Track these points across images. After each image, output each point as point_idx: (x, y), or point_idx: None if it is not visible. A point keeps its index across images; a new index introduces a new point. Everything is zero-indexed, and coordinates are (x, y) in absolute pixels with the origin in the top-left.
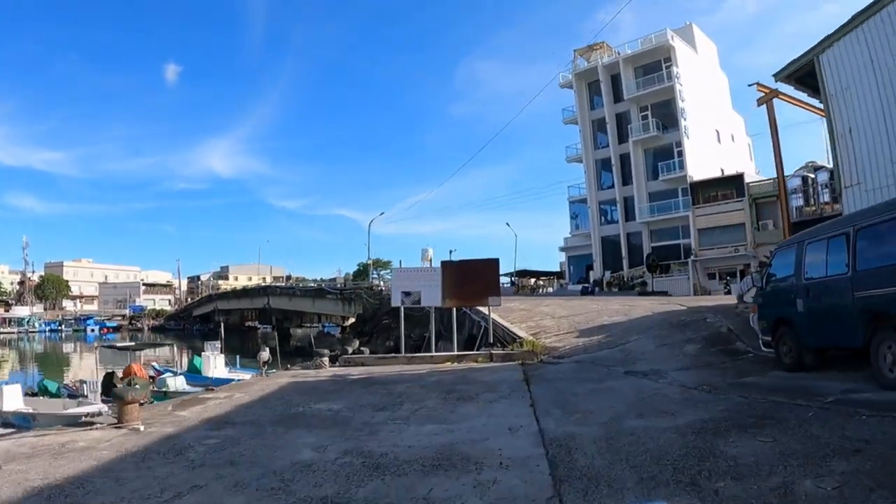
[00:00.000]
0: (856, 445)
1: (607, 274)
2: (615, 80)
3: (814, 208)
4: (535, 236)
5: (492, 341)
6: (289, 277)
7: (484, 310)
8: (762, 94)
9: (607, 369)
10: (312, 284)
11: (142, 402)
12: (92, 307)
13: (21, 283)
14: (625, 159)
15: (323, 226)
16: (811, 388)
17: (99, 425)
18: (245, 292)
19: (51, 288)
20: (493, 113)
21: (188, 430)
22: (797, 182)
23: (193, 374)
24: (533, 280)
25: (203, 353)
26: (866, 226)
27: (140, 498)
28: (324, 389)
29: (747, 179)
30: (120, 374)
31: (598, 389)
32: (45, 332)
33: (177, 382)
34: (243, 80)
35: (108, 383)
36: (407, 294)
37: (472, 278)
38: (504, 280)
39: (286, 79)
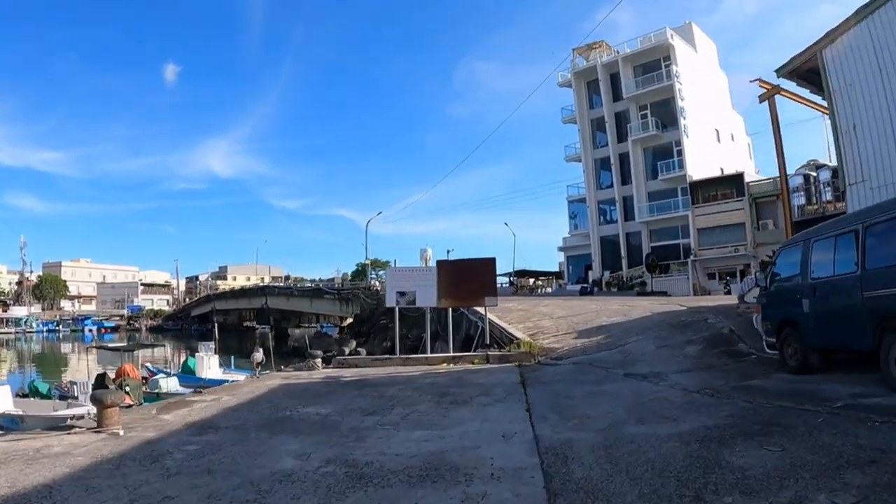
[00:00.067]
0: (871, 455)
1: (606, 274)
2: (614, 79)
3: (816, 207)
4: (534, 236)
5: (488, 342)
6: (287, 277)
7: (481, 310)
8: (764, 91)
9: (606, 371)
10: (310, 284)
11: (130, 404)
12: (90, 307)
13: (19, 283)
14: (624, 158)
15: (323, 226)
16: (818, 391)
17: (78, 429)
18: (243, 292)
19: (49, 288)
20: (492, 113)
21: (169, 435)
22: (799, 180)
23: (187, 374)
24: (532, 280)
25: (197, 354)
26: (877, 222)
27: None
28: (314, 392)
29: (747, 179)
30: (113, 375)
31: (596, 393)
32: (42, 332)
33: (169, 384)
34: (243, 79)
35: (100, 384)
36: (402, 294)
37: (468, 278)
38: (503, 280)
39: (285, 79)
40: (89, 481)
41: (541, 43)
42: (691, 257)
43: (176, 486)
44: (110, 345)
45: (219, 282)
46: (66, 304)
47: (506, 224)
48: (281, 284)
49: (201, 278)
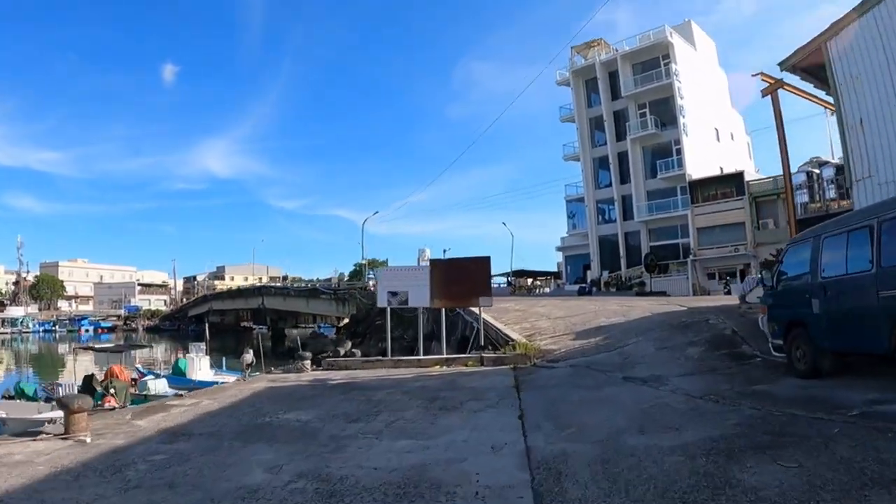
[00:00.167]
0: None
1: (605, 274)
2: (613, 78)
3: (819, 205)
4: (533, 236)
5: (483, 344)
6: (285, 278)
7: (477, 310)
8: (767, 85)
9: (605, 375)
10: (307, 284)
11: (114, 406)
12: (87, 307)
13: (16, 283)
14: (623, 157)
15: (322, 226)
16: (830, 398)
17: (45, 436)
18: (240, 292)
19: (46, 288)
20: (490, 113)
21: (139, 443)
22: (802, 178)
23: (178, 376)
24: (530, 280)
25: (187, 355)
26: (893, 217)
27: None
28: (299, 396)
29: (747, 178)
30: (101, 377)
31: (594, 398)
32: (38, 332)
33: (158, 385)
34: (242, 80)
35: (88, 386)
36: (394, 294)
37: (462, 278)
38: (501, 280)
39: (285, 79)
40: (44, 494)
41: (540, 42)
42: (691, 257)
43: (132, 501)
44: (96, 346)
45: (216, 282)
46: (63, 305)
47: (504, 224)
48: (278, 284)
49: (199, 278)
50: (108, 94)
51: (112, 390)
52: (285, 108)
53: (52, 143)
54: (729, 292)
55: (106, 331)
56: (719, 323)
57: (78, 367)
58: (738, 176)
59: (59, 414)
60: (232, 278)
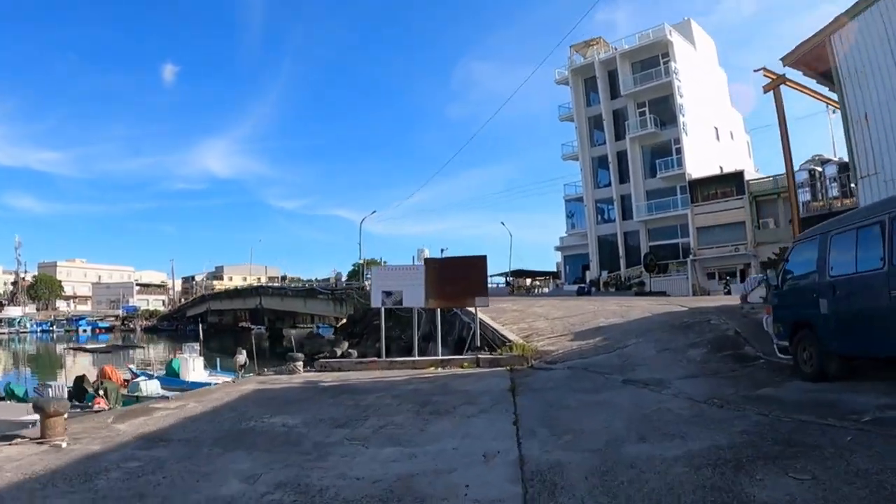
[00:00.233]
0: None
1: (604, 274)
2: (612, 76)
3: (822, 203)
4: (531, 236)
5: (479, 345)
6: (284, 278)
7: (473, 310)
8: (769, 81)
9: (604, 377)
10: (306, 284)
11: (103, 408)
12: (85, 307)
13: (14, 283)
14: (622, 157)
15: (322, 226)
16: (840, 403)
17: (20, 440)
18: (238, 293)
19: (44, 288)
20: (489, 113)
21: (115, 449)
22: (804, 176)
23: (171, 377)
24: (528, 280)
25: (181, 356)
26: None
27: None
28: (287, 399)
29: (747, 177)
30: (94, 378)
31: (592, 402)
32: (36, 332)
33: (150, 386)
34: (242, 79)
35: (79, 387)
36: (388, 294)
37: (458, 277)
38: (499, 280)
39: (285, 79)
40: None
41: (540, 42)
42: (690, 257)
43: None
44: (87, 346)
45: (215, 282)
46: (61, 305)
47: (502, 223)
48: (275, 285)
49: (197, 279)
50: (108, 94)
51: (102, 392)
52: (285, 108)
53: (51, 143)
54: (729, 292)
55: (104, 331)
56: (721, 323)
57: (76, 368)
58: (738, 175)
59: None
60: (230, 278)
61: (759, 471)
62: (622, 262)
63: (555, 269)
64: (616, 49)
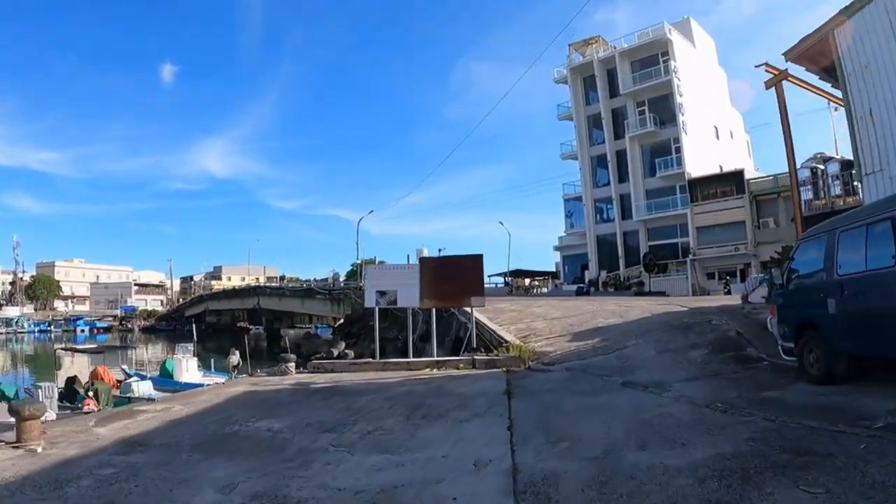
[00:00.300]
0: None
1: (603, 274)
2: (611, 75)
3: (824, 201)
4: (530, 236)
5: (475, 346)
6: (282, 278)
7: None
8: (771, 76)
9: (602, 379)
10: (304, 285)
11: (92, 409)
12: (84, 307)
13: (12, 283)
14: (621, 156)
15: (321, 226)
16: (850, 407)
17: None
18: (235, 293)
19: (41, 288)
20: (491, 114)
21: (91, 454)
22: (806, 174)
23: (165, 378)
24: (527, 280)
25: (174, 356)
26: None
27: None
28: (276, 401)
29: (747, 176)
30: (85, 379)
31: (590, 406)
32: (33, 332)
33: (142, 387)
34: (242, 80)
35: (70, 388)
36: (382, 294)
37: (454, 276)
38: (498, 280)
39: (284, 79)
40: None
41: (539, 42)
42: (690, 256)
43: None
44: (78, 347)
45: (213, 282)
46: (59, 305)
47: (501, 223)
48: (273, 285)
49: (196, 278)
50: (108, 93)
51: (90, 393)
52: (285, 107)
53: (51, 143)
54: (729, 292)
55: (101, 331)
56: (723, 324)
57: (73, 368)
58: (738, 174)
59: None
60: (229, 278)
61: (769, 483)
62: (621, 262)
63: (553, 269)
64: (615, 48)
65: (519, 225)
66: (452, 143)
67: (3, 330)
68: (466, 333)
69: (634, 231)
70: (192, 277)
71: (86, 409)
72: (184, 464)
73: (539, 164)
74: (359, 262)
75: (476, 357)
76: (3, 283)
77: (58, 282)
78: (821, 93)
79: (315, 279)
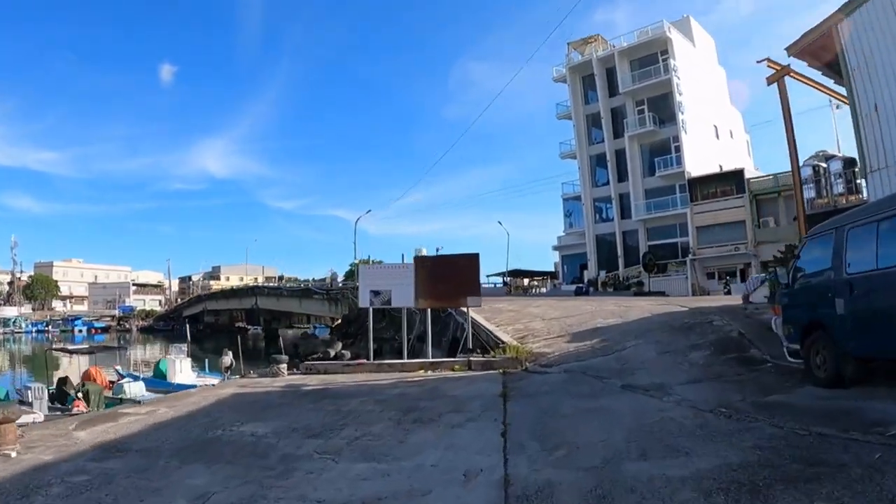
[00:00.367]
0: None
1: (602, 274)
2: (610, 74)
3: (826, 200)
4: (529, 236)
5: (471, 347)
6: (281, 278)
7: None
8: (773, 72)
9: (601, 382)
10: (302, 285)
11: (82, 411)
12: (82, 307)
13: (10, 283)
14: (620, 155)
15: (320, 226)
16: (861, 412)
17: None
18: (233, 293)
19: (40, 288)
20: (490, 113)
21: (67, 460)
22: (808, 172)
23: (158, 378)
24: (526, 280)
25: (167, 357)
26: None
27: None
28: (265, 404)
29: (747, 175)
30: (77, 380)
31: (588, 410)
32: (31, 332)
33: (134, 388)
34: (241, 79)
35: (61, 389)
36: (376, 294)
37: (449, 276)
38: (496, 280)
39: (284, 78)
40: None
41: (539, 42)
42: (690, 256)
43: None
44: (68, 347)
45: (212, 282)
46: (57, 305)
47: (499, 223)
48: (271, 285)
49: (194, 278)
50: (107, 93)
51: (80, 394)
52: (284, 107)
53: (50, 143)
54: (729, 292)
55: (99, 331)
56: (724, 324)
57: (71, 368)
58: (738, 173)
59: (27, 419)
60: (227, 278)
61: (779, 497)
62: (620, 262)
63: (552, 269)
64: (614, 46)
65: (518, 225)
66: (452, 144)
67: (1, 330)
68: (464, 334)
69: (634, 231)
70: (190, 277)
71: (75, 410)
72: (160, 471)
73: (538, 163)
74: (356, 262)
75: (472, 358)
76: (1, 284)
77: (56, 282)
78: (823, 89)
79: (313, 279)
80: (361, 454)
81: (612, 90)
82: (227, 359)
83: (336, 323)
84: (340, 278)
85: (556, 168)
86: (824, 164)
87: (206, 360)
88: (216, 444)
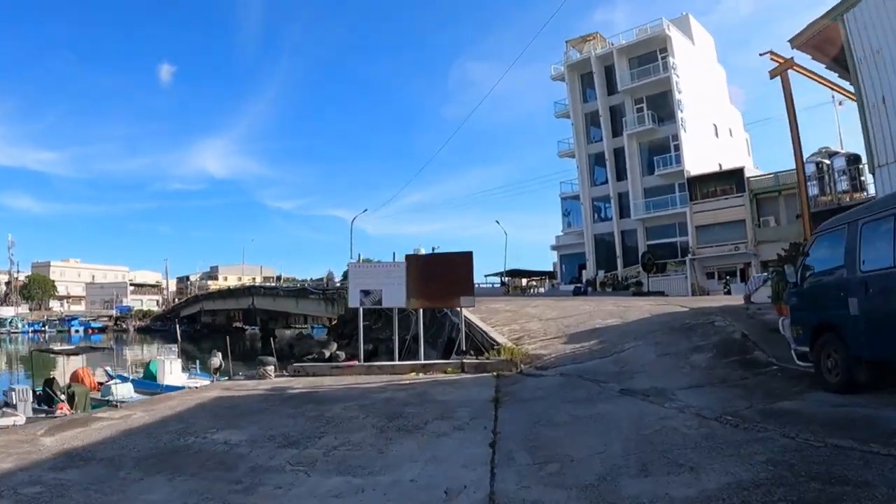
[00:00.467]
0: None
1: (601, 273)
2: (609, 72)
3: (830, 198)
4: (528, 236)
5: (465, 348)
6: (279, 278)
7: (464, 311)
8: (776, 66)
9: (599, 386)
10: (299, 285)
11: (65, 413)
12: (79, 307)
13: (7, 283)
14: (619, 154)
15: (319, 226)
16: (878, 421)
17: None
18: (230, 293)
19: (37, 288)
20: (488, 113)
21: (24, 469)
22: (811, 169)
23: (148, 380)
24: (524, 280)
25: (157, 358)
26: None
27: None
28: (245, 409)
29: (747, 174)
30: (64, 382)
31: (584, 417)
32: (27, 332)
33: (122, 390)
34: (240, 79)
35: (47, 391)
36: (366, 293)
37: (442, 275)
38: (494, 280)
39: (283, 78)
40: None
41: (539, 42)
42: (689, 256)
43: None
44: (56, 347)
45: (210, 282)
46: (54, 305)
47: (497, 222)
48: (268, 285)
49: (192, 279)
50: (106, 93)
51: (63, 396)
52: (284, 107)
53: (49, 143)
54: (729, 292)
55: (96, 331)
56: (726, 325)
57: (69, 368)
58: (738, 172)
59: (8, 422)
60: (225, 278)
61: None
62: (619, 262)
63: (551, 269)
64: (613, 44)
65: (517, 225)
66: (453, 143)
67: None
68: (458, 335)
69: (633, 230)
70: (188, 277)
71: (58, 413)
72: (119, 483)
73: (537, 163)
74: (353, 261)
75: (465, 360)
76: None
77: (53, 282)
78: (827, 83)
79: (311, 279)
80: (337, 467)
81: (611, 88)
82: (216, 360)
83: (333, 323)
84: (338, 278)
85: (554, 167)
86: (827, 161)
87: (198, 362)
88: (184, 453)
